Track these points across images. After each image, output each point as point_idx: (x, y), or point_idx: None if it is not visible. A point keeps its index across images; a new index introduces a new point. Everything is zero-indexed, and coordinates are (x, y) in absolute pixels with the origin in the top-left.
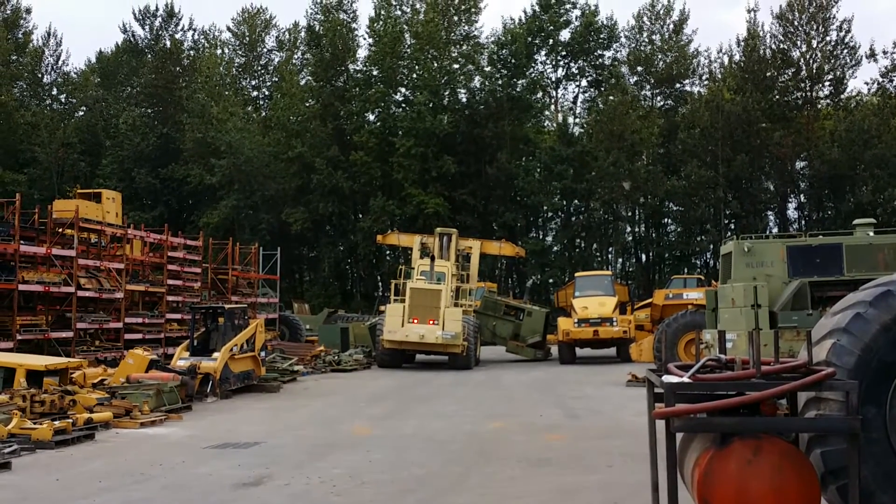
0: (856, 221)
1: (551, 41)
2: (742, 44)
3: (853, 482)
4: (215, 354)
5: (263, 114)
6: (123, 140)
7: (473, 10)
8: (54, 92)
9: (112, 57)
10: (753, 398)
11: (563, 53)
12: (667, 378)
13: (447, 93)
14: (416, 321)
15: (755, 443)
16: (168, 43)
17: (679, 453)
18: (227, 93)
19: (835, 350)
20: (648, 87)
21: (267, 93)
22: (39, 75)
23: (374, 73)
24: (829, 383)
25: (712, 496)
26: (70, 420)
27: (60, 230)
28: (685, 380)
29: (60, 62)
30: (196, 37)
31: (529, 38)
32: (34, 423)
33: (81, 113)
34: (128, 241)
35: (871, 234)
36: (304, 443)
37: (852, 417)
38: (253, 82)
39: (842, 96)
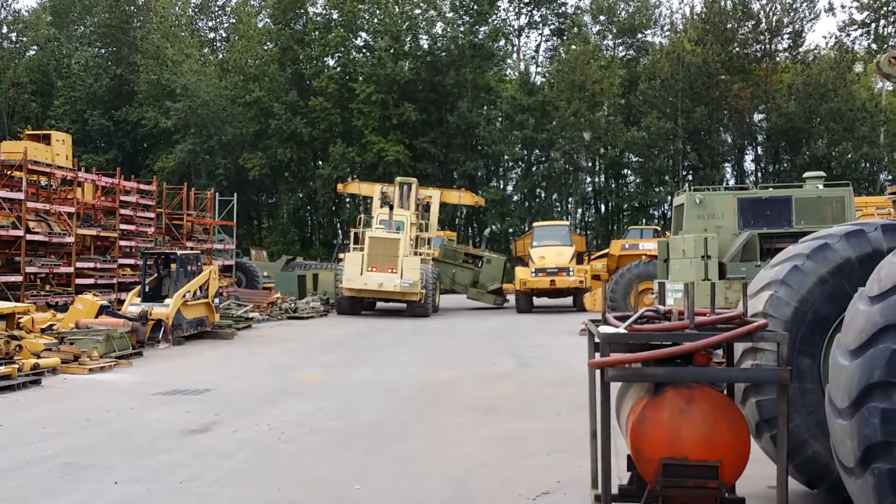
0: (806, 174)
1: None
2: None
3: (782, 431)
4: (168, 301)
5: (220, 56)
6: (76, 81)
7: None
8: (4, 30)
9: None
10: (685, 349)
11: (526, 1)
12: (603, 329)
13: (408, 39)
14: (374, 269)
15: (687, 392)
16: None
17: (617, 402)
18: (182, 34)
19: (772, 302)
20: (611, 36)
21: (224, 35)
22: None
23: (334, 16)
24: (760, 335)
25: (644, 443)
26: (16, 365)
27: (8, 172)
28: (621, 330)
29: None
30: None
31: None
32: None
33: (33, 52)
34: (79, 185)
35: (821, 186)
36: (255, 390)
37: (782, 368)
38: (210, 24)
39: (800, 50)
